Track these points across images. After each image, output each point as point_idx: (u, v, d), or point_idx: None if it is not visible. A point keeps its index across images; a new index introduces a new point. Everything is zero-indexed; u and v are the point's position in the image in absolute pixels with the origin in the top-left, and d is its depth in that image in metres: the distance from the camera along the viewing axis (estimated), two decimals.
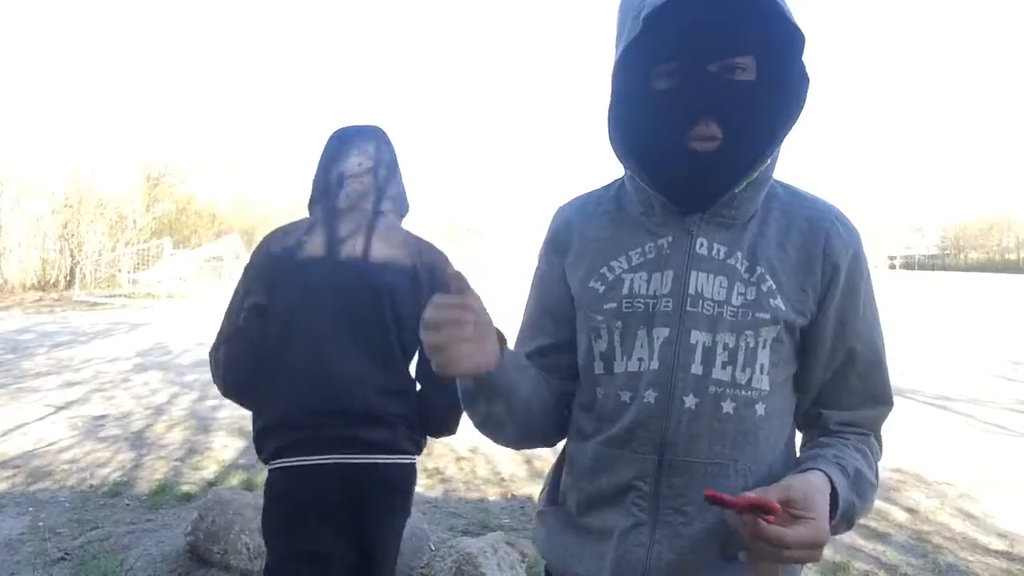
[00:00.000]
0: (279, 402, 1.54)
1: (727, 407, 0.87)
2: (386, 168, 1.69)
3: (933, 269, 70.19)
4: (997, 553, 3.24)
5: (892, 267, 76.68)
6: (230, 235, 23.35)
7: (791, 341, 0.90)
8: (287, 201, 43.01)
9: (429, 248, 1.66)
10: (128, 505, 3.71)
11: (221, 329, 1.63)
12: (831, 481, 0.80)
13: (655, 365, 0.89)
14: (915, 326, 13.84)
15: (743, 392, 0.87)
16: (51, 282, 21.05)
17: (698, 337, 0.88)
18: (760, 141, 0.86)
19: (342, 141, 1.71)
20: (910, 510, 3.77)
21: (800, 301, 0.89)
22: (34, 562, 2.95)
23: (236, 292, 1.65)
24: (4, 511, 3.57)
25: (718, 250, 0.89)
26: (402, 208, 1.71)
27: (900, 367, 8.66)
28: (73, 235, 22.09)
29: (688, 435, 0.87)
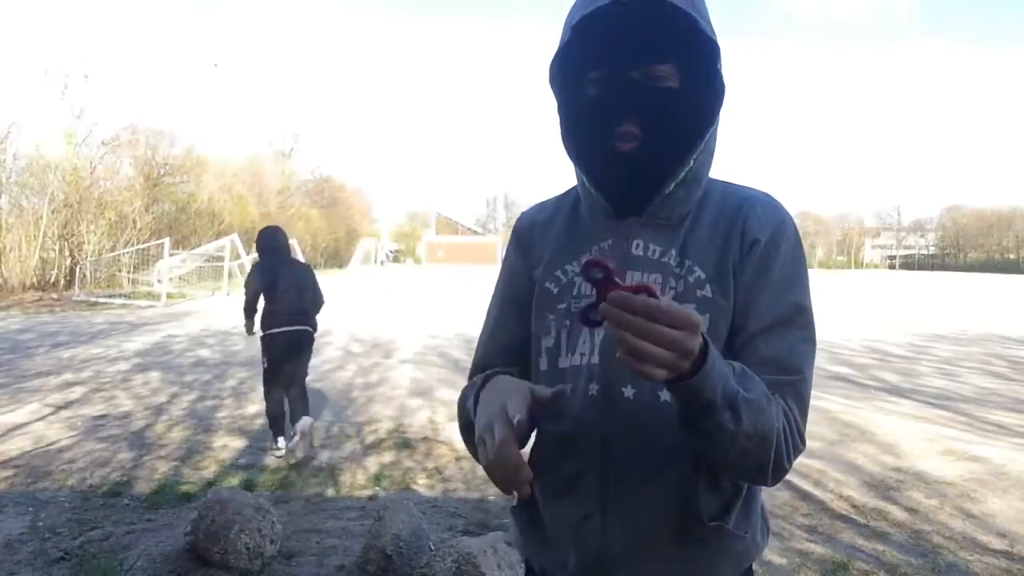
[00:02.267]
0: (276, 317, 4.63)
1: (664, 396, 0.89)
2: (289, 244, 5.08)
3: (933, 269, 70.19)
4: (997, 553, 3.24)
5: (892, 267, 76.74)
6: (230, 235, 23.34)
7: (725, 326, 0.91)
8: (286, 201, 43.10)
9: (308, 265, 5.19)
10: (128, 505, 3.71)
11: (247, 298, 4.77)
12: (707, 342, 0.72)
13: (595, 359, 0.93)
14: (915, 326, 13.85)
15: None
16: (51, 282, 21.05)
17: None
18: (679, 142, 0.92)
19: (273, 233, 4.95)
20: (910, 510, 3.77)
21: (726, 284, 0.92)
22: (34, 562, 2.95)
23: (248, 284, 4.81)
24: (4, 511, 3.57)
25: (653, 250, 0.95)
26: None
27: (900, 366, 8.67)
28: (73, 235, 22.10)
29: (629, 425, 0.90)
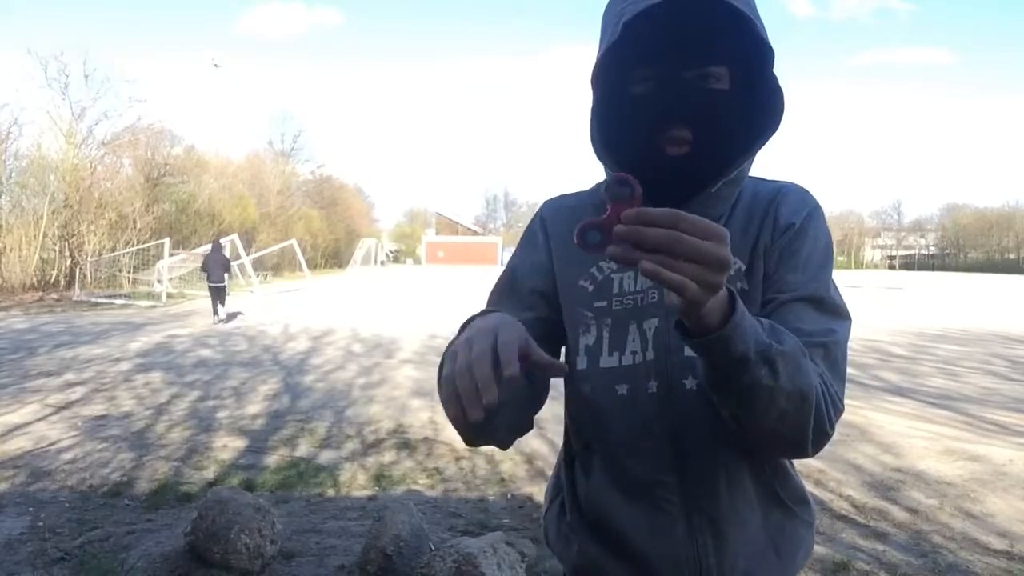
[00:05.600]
0: (212, 278, 13.60)
1: None
2: (222, 247, 14.99)
3: (933, 269, 70.15)
4: (997, 553, 3.23)
5: (892, 267, 76.69)
6: (230, 235, 23.33)
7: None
8: (286, 201, 43.09)
9: (226, 257, 14.50)
10: (128, 505, 3.71)
11: (200, 268, 14.95)
12: (732, 293, 0.69)
13: (651, 355, 0.90)
14: (915, 325, 13.84)
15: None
16: (51, 282, 21.04)
17: None
18: (731, 147, 0.88)
19: (217, 243, 15.13)
20: (910, 510, 3.77)
21: (756, 273, 0.90)
22: (34, 562, 2.95)
23: (203, 263, 14.40)
24: (4, 511, 3.57)
25: None
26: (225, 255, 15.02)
27: (900, 366, 8.67)
28: (73, 235, 22.09)
29: (697, 419, 0.87)
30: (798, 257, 0.89)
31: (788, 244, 0.90)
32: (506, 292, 1.00)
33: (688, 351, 0.88)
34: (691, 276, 0.61)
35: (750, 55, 0.87)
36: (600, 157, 0.94)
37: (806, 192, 0.96)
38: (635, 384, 0.90)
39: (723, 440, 0.87)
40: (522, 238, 1.06)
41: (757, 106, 0.89)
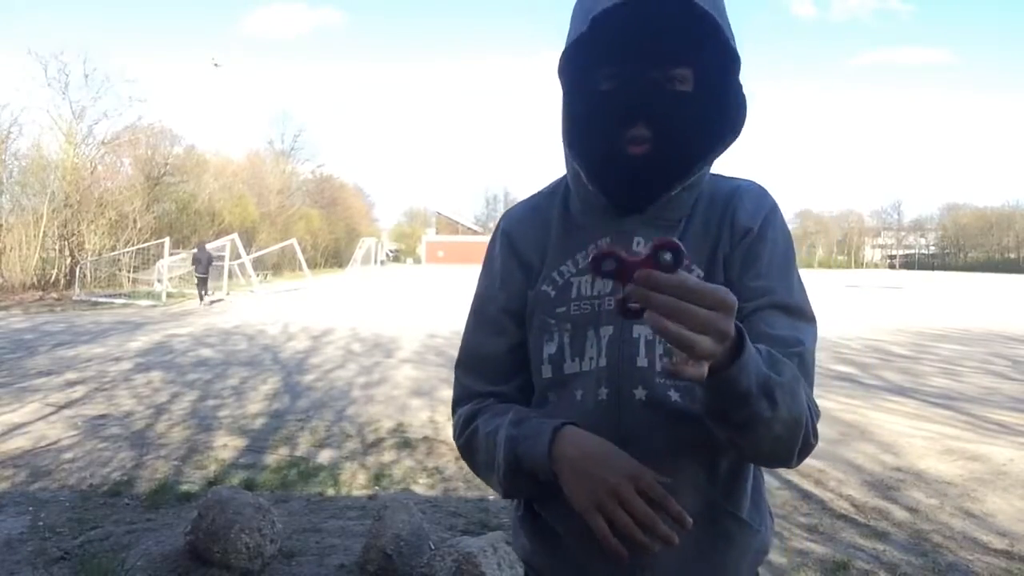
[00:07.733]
0: (199, 270, 18.38)
1: (674, 396, 0.88)
2: (206, 247, 19.38)
3: (933, 268, 70.17)
4: (997, 552, 3.23)
5: (892, 266, 76.70)
6: (230, 235, 23.34)
7: None
8: (286, 201, 43.07)
9: (210, 253, 19.14)
10: (128, 505, 3.71)
11: (192, 264, 19.78)
12: (740, 330, 0.69)
13: (603, 362, 0.90)
14: (915, 325, 13.84)
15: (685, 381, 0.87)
16: (51, 282, 21.03)
17: (640, 331, 0.90)
18: (691, 150, 0.88)
19: (202, 242, 20.29)
20: (910, 509, 3.77)
21: (718, 280, 0.89)
22: (34, 562, 2.95)
23: (193, 259, 19.35)
24: (4, 511, 3.57)
25: None
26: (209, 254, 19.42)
27: (901, 366, 8.67)
28: (73, 235, 22.09)
29: (645, 427, 0.87)
30: (760, 263, 0.90)
31: (748, 250, 0.90)
32: (480, 318, 1.03)
33: (641, 361, 0.89)
34: (694, 345, 0.61)
35: (717, 61, 0.87)
36: (566, 149, 0.94)
37: (763, 192, 0.95)
38: (587, 389, 0.91)
39: (670, 452, 0.87)
40: (484, 260, 1.06)
41: (719, 111, 0.89)
